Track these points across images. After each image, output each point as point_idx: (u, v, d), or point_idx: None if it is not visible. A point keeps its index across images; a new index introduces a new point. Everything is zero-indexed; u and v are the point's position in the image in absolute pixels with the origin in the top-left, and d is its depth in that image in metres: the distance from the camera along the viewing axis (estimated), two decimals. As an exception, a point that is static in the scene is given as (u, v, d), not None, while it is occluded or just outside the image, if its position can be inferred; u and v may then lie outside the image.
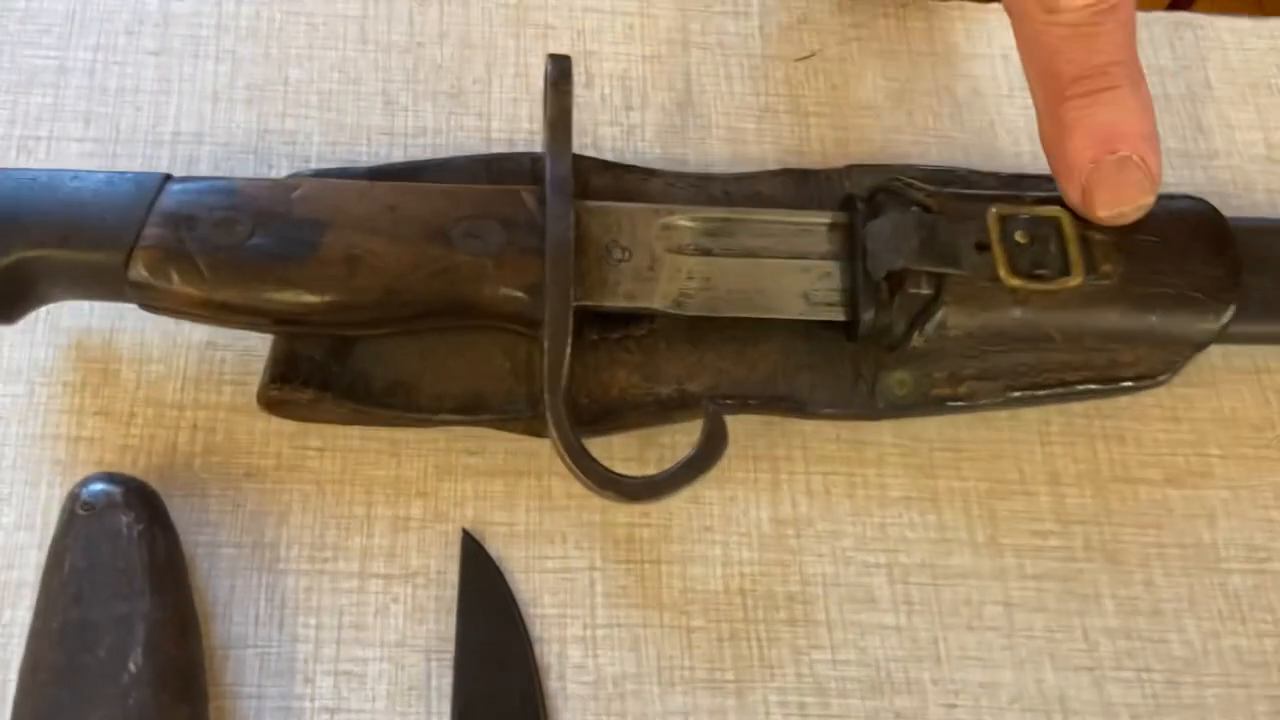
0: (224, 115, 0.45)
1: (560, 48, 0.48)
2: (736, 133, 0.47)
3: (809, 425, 0.42)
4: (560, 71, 0.40)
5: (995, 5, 0.51)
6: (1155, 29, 0.51)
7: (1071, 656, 0.39)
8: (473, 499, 0.40)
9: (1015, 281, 0.38)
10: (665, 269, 0.39)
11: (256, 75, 0.46)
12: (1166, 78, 0.50)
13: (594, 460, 0.36)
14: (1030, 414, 0.43)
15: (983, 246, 0.39)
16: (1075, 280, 0.39)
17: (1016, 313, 0.39)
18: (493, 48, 0.48)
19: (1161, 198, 0.42)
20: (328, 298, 0.36)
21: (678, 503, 0.40)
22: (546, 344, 0.37)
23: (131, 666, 0.33)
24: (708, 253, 0.40)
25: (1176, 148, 0.49)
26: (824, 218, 0.41)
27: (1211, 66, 0.51)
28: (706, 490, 0.41)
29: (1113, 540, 0.41)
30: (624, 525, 0.40)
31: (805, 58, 0.49)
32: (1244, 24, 0.52)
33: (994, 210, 0.39)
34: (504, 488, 0.40)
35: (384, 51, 0.47)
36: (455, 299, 0.37)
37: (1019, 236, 0.39)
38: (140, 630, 0.33)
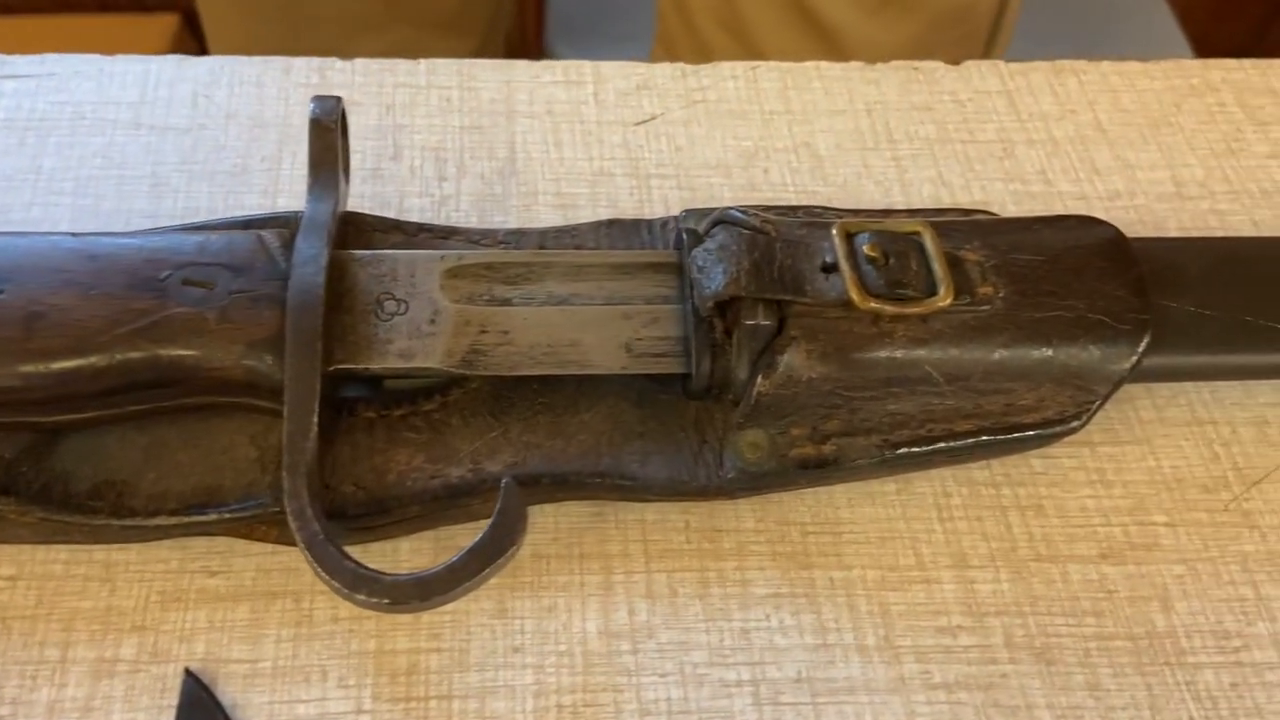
0: (-42, 207, 0.39)
1: (367, 122, 0.43)
2: (566, 198, 0.41)
3: (650, 513, 0.33)
4: (323, 109, 0.35)
5: (856, 64, 0.47)
6: (1033, 77, 0.47)
7: (1003, 789, 0.29)
8: (206, 631, 0.30)
9: (872, 304, 0.31)
10: (450, 323, 0.32)
11: (5, 167, 0.40)
12: (1051, 123, 0.45)
13: (344, 555, 0.28)
14: (924, 485, 0.34)
15: (830, 269, 0.32)
16: (944, 299, 0.31)
17: (880, 345, 0.32)
18: (287, 126, 0.42)
19: (1043, 218, 0.36)
20: (-2, 368, 0.29)
21: (479, 619, 0.31)
22: (286, 412, 0.29)
23: None
24: (506, 303, 0.33)
25: (1071, 190, 0.43)
26: (649, 257, 0.34)
27: (1101, 109, 0.46)
28: (517, 600, 0.32)
29: (1041, 634, 0.32)
30: (406, 653, 0.31)
31: (645, 121, 0.44)
32: (1133, 66, 0.47)
33: (839, 225, 0.32)
34: (250, 614, 0.31)
35: (159, 134, 0.42)
36: (167, 364, 0.30)
37: (870, 250, 0.32)
38: None
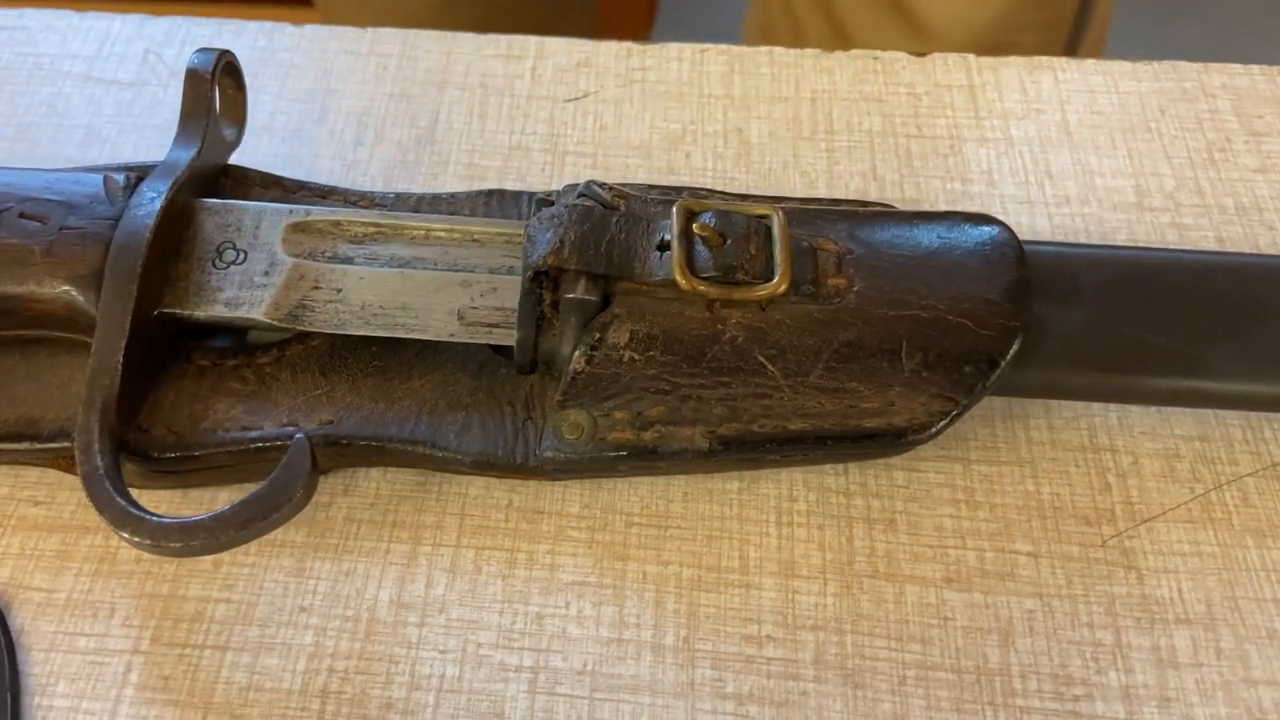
0: (-103, 148, 0.41)
1: (301, 85, 0.43)
2: (476, 169, 0.41)
3: (475, 488, 0.33)
4: (201, 61, 0.35)
5: (812, 50, 0.45)
6: (1003, 73, 0.43)
7: (771, 814, 0.27)
8: (15, 558, 0.31)
9: (698, 286, 0.29)
10: (285, 277, 0.32)
11: (-40, 109, 0.42)
12: (1011, 121, 0.42)
13: (119, 493, 0.28)
14: (770, 487, 0.32)
15: (665, 247, 0.30)
16: (778, 287, 0.30)
17: (711, 331, 0.30)
18: (225, 85, 0.43)
19: (931, 214, 0.33)
20: None
21: (276, 575, 0.31)
22: (94, 348, 0.29)
23: None
24: (348, 261, 0.33)
25: (1015, 193, 0.40)
26: (501, 226, 0.33)
27: (1072, 110, 0.42)
28: (319, 560, 0.31)
29: (857, 654, 0.29)
30: (195, 600, 0.31)
31: (577, 98, 0.43)
32: (1120, 66, 0.44)
33: (681, 203, 0.31)
34: (59, 546, 0.31)
35: (104, 88, 0.43)
36: (-8, 293, 0.30)
37: (701, 230, 0.30)
38: None
